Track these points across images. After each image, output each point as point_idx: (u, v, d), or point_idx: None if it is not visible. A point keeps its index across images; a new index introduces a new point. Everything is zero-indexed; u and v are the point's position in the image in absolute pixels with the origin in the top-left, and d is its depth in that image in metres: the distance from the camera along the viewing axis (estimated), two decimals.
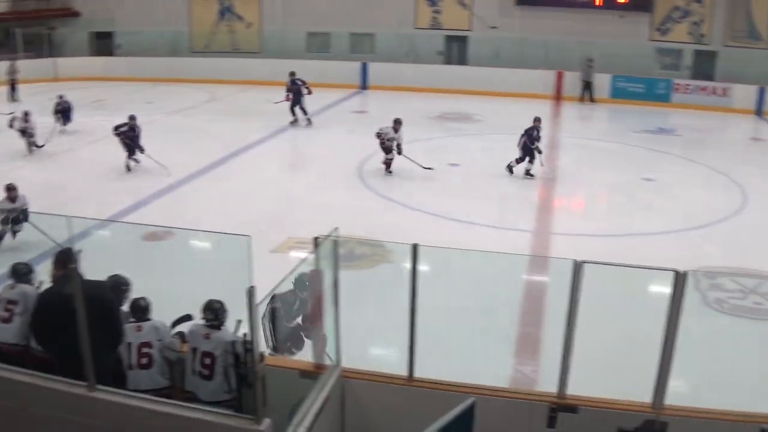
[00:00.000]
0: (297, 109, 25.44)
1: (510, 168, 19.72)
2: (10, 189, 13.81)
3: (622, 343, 10.68)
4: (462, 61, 35.53)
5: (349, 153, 21.88)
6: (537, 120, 19.71)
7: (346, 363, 7.51)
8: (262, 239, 12.90)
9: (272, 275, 6.87)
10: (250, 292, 5.65)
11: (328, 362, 7.34)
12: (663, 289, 6.88)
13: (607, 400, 7.27)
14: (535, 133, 19.45)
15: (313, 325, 7.60)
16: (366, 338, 10.51)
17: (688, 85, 33.15)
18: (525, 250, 14.52)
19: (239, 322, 6.61)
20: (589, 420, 7.11)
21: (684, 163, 21.95)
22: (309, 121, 25.54)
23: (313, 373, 7.18)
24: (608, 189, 19.46)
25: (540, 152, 19.54)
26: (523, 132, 19.57)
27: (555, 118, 29.52)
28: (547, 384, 7.52)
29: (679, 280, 6.58)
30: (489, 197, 17.91)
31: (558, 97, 33.20)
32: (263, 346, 6.18)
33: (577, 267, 6.64)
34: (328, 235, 7.06)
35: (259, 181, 18.61)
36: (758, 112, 31.84)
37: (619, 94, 33.13)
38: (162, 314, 7.52)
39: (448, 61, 35.56)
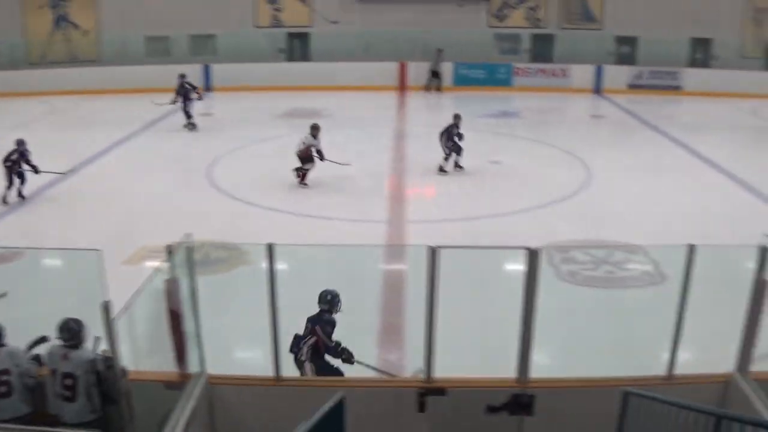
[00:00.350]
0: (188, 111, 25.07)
1: (442, 169, 19.74)
2: None
3: (484, 322, 10.91)
4: (305, 57, 35.49)
5: (196, 157, 21.58)
6: (457, 117, 19.79)
7: (213, 369, 7.44)
8: (113, 251, 12.63)
9: (127, 287, 6.74)
10: (105, 307, 5.53)
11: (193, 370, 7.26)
12: (518, 266, 7.07)
13: (474, 379, 7.43)
14: (455, 129, 19.55)
15: (172, 336, 7.48)
16: (230, 342, 10.42)
17: (527, 68, 34.14)
18: (381, 240, 14.65)
19: (97, 338, 6.46)
20: (458, 401, 7.26)
21: (529, 144, 22.58)
22: (193, 126, 25.02)
23: (178, 383, 7.08)
24: (458, 174, 19.77)
25: (459, 149, 19.70)
26: (442, 130, 19.68)
27: (401, 108, 29.87)
28: (414, 370, 7.63)
29: (532, 256, 6.77)
30: (341, 191, 17.98)
31: (402, 87, 33.58)
32: (125, 361, 6.05)
33: (433, 252, 6.74)
34: (181, 242, 6.96)
35: (106, 191, 18.09)
36: (596, 90, 33.10)
37: (461, 81, 33.79)
38: (17, 339, 7.26)
39: (291, 59, 35.46)
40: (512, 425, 7.35)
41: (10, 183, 17.17)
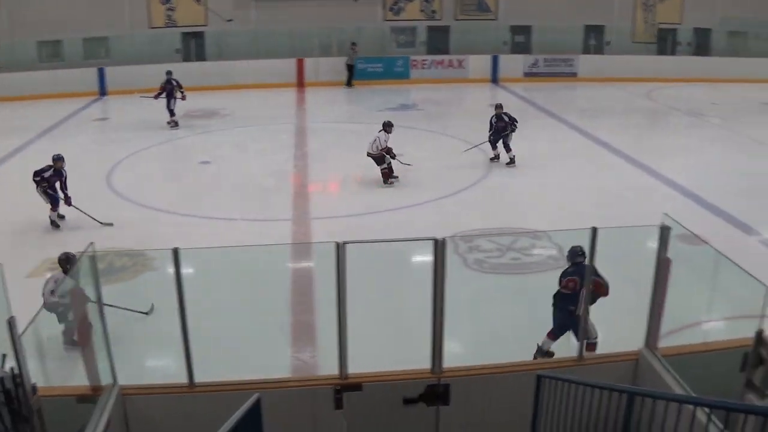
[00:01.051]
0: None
1: (497, 157, 20.06)
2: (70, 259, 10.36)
3: (396, 315, 10.95)
4: (201, 56, 35.09)
5: (95, 163, 21.08)
6: (498, 107, 20.18)
7: (124, 380, 7.30)
8: (16, 264, 12.29)
9: (33, 301, 6.59)
10: (10, 323, 5.38)
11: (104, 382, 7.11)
12: (425, 257, 7.12)
13: (388, 372, 7.45)
14: (494, 119, 19.78)
15: (81, 346, 7.33)
16: (141, 351, 10.24)
17: (424, 60, 34.32)
18: (287, 238, 14.57)
19: (4, 356, 6.28)
20: (374, 395, 7.28)
21: (430, 136, 22.70)
22: (175, 123, 24.67)
23: (90, 397, 6.93)
24: (360, 169, 19.78)
25: (491, 140, 19.98)
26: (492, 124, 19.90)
27: (300, 104, 29.77)
28: (329, 367, 7.63)
29: (439, 247, 6.82)
30: (244, 191, 17.78)
31: (301, 84, 33.47)
32: (33, 377, 5.88)
33: (340, 248, 6.74)
34: (84, 252, 6.82)
35: (5, 203, 17.54)
36: (493, 79, 33.52)
37: (360, 75, 33.80)
38: None
39: (187, 58, 35.00)
40: (429, 416, 7.40)
41: (52, 203, 15.56)
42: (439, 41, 35.70)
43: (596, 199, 16.78)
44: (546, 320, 10.81)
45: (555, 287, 11.03)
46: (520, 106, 28.80)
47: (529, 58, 34.70)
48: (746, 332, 7.23)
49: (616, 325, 9.32)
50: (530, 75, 34.35)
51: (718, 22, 36.70)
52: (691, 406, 5.46)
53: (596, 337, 9.24)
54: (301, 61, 33.69)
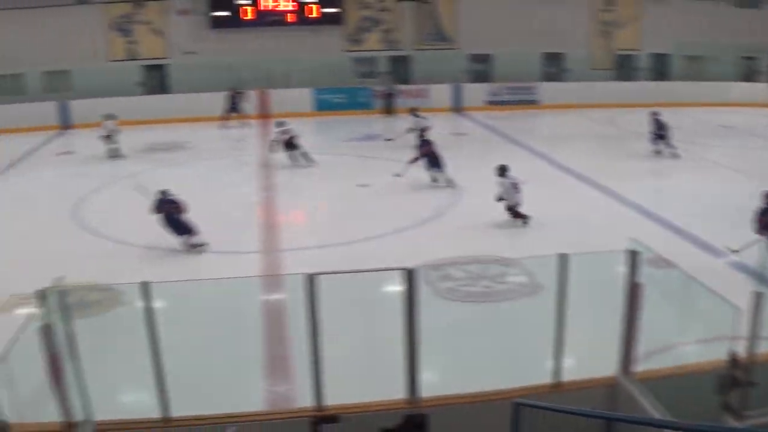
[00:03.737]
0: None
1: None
2: None
3: (371, 345, 10.90)
4: (163, 89, 34.94)
5: (60, 197, 20.89)
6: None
7: (100, 415, 7.21)
8: None
9: (0, 337, 6.49)
10: None
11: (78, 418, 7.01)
12: (396, 287, 7.11)
13: (366, 403, 7.41)
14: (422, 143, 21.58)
15: (53, 384, 7.21)
16: (116, 386, 10.08)
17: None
18: (257, 271, 14.49)
19: None
20: (351, 426, 7.25)
21: (395, 165, 22.66)
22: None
23: None
24: (327, 199, 19.84)
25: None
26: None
27: (264, 136, 29.70)
28: (305, 400, 7.58)
29: (409, 276, 6.82)
30: (212, 223, 17.59)
31: (265, 115, 33.25)
32: (6, 413, 5.80)
33: (310, 280, 6.73)
34: (54, 286, 6.75)
35: None
36: (455, 108, 33.69)
37: (323, 106, 33.88)
38: None
39: (150, 91, 34.81)
40: None
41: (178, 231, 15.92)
42: (400, 71, 35.87)
43: (565, 224, 16.82)
44: (521, 347, 10.84)
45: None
46: (484, 134, 29.05)
47: (490, 87, 34.99)
48: (718, 354, 7.31)
49: (591, 350, 9.32)
50: (492, 103, 34.61)
51: (675, 46, 37.32)
52: (667, 431, 5.49)
53: None
54: (264, 92, 33.60)
